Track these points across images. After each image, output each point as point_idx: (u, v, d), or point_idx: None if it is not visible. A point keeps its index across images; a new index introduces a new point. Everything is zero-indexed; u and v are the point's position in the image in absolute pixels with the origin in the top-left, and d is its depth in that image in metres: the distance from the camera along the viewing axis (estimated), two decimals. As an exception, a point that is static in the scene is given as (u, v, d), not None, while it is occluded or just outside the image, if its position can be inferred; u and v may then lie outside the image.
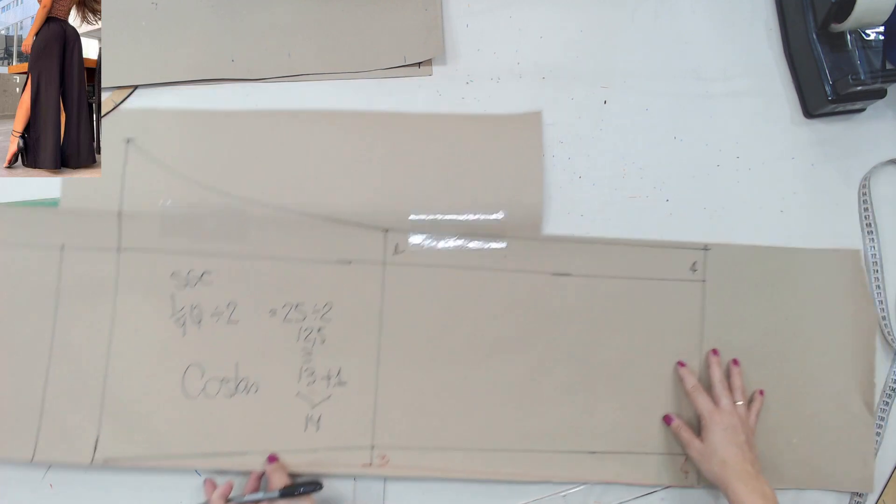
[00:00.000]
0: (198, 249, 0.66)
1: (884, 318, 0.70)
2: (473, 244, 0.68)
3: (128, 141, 0.67)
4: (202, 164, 0.67)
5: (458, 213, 0.67)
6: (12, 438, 0.64)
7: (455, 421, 0.67)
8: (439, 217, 0.67)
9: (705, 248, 0.69)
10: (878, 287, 0.70)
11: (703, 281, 0.69)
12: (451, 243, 0.67)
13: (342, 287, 0.67)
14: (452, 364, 0.67)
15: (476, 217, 0.67)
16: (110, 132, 0.68)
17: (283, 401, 0.66)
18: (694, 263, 0.69)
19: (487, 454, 0.66)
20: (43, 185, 0.67)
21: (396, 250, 0.67)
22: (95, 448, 0.64)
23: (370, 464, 0.66)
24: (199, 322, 0.66)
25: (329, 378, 0.66)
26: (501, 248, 0.68)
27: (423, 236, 0.67)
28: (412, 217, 0.67)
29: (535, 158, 0.69)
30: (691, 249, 0.69)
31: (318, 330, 0.67)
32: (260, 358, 0.66)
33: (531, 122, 0.70)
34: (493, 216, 0.67)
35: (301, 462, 0.65)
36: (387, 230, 0.67)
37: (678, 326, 0.68)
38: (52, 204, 0.67)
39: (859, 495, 0.69)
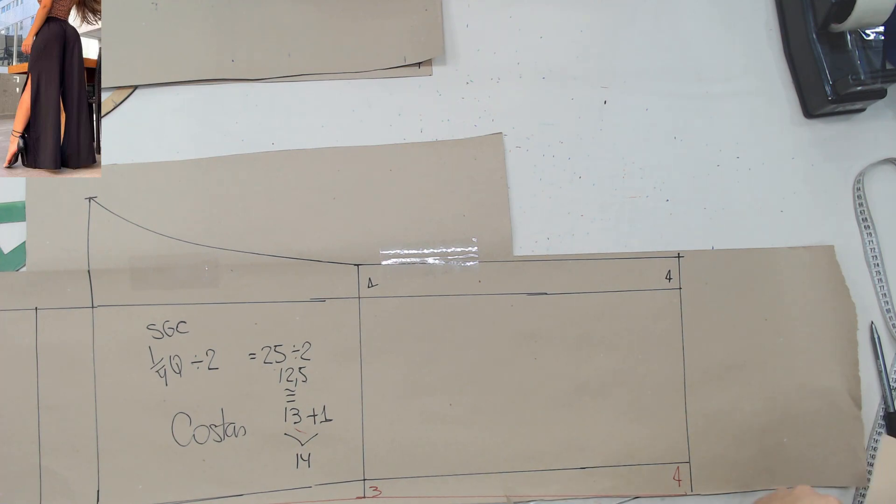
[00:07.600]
0: (171, 300, 0.67)
1: (888, 310, 0.70)
2: (445, 271, 0.68)
3: (89, 200, 0.68)
4: (167, 216, 0.67)
5: (427, 242, 0.68)
6: (17, 499, 0.65)
7: (443, 447, 0.67)
8: (409, 248, 0.68)
9: (678, 255, 0.69)
10: (881, 281, 0.70)
11: (679, 289, 0.69)
12: (424, 272, 0.68)
13: (319, 325, 0.67)
14: (436, 392, 0.68)
15: (445, 243, 0.68)
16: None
17: (272, 441, 0.67)
18: (668, 272, 0.69)
19: (477, 478, 0.67)
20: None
21: (370, 284, 0.67)
22: (98, 501, 0.66)
23: (363, 496, 0.67)
24: (180, 371, 0.67)
25: (315, 416, 0.67)
26: (474, 273, 0.68)
27: (395, 268, 0.68)
28: (382, 250, 0.68)
29: (499, 181, 0.69)
30: (664, 258, 0.69)
31: (299, 369, 0.67)
32: (244, 402, 0.67)
33: (493, 145, 0.70)
34: (463, 242, 0.68)
35: (295, 500, 0.66)
36: (358, 265, 0.67)
37: (658, 336, 0.69)
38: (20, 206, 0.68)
39: (862, 494, 0.69)
